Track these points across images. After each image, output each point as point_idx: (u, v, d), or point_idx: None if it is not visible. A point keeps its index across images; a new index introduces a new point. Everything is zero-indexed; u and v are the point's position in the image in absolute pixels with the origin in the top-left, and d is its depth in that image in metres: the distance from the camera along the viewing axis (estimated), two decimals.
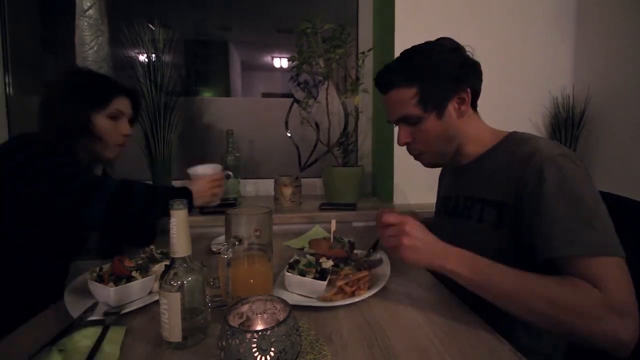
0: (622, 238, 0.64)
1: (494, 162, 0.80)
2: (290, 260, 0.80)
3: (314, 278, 0.74)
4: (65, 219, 0.89)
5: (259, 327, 0.54)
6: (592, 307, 0.56)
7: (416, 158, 0.90)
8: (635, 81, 1.31)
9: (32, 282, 0.92)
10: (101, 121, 0.97)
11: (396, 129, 0.90)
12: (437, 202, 1.06)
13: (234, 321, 0.53)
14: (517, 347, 0.59)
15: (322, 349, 0.58)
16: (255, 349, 0.46)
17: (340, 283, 0.76)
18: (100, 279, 0.73)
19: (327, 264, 0.79)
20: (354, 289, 0.75)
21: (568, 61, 1.58)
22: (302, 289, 0.75)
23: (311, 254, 0.84)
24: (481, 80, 0.84)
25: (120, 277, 0.73)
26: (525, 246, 0.68)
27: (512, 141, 0.80)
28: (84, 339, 0.58)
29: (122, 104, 1.01)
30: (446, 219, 0.92)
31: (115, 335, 0.60)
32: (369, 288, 0.77)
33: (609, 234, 0.62)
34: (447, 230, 0.86)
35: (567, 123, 1.52)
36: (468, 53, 0.82)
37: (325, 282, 0.73)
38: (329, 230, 1.26)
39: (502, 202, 0.75)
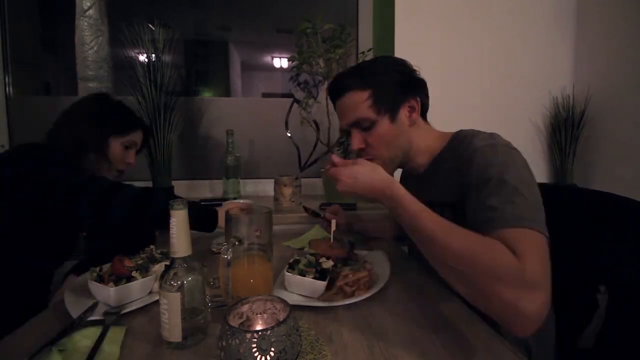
0: (622, 238, 0.64)
1: (442, 166, 0.83)
2: (290, 260, 0.80)
3: (314, 278, 0.74)
4: (84, 222, 0.98)
5: (259, 327, 0.54)
6: (505, 268, 0.55)
7: None
8: (635, 81, 1.31)
9: (22, 284, 0.94)
10: (115, 146, 1.07)
11: None
12: None
13: (234, 321, 0.53)
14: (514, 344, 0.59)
15: (322, 349, 0.58)
16: (255, 349, 0.46)
17: (340, 283, 0.76)
18: (100, 279, 0.72)
19: (327, 264, 0.79)
20: (353, 289, 0.75)
21: (568, 61, 1.58)
22: (302, 289, 0.75)
23: (311, 254, 0.84)
24: (428, 97, 0.89)
25: (121, 277, 0.73)
26: None
27: (454, 142, 0.83)
28: (84, 339, 0.58)
29: (137, 137, 1.12)
30: None
31: (116, 335, 0.60)
32: (369, 288, 0.77)
33: (528, 209, 0.62)
34: None
35: (567, 123, 1.52)
36: (416, 69, 0.87)
37: (325, 282, 0.73)
38: (329, 231, 1.26)
39: (454, 202, 0.76)
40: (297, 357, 0.50)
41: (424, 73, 0.87)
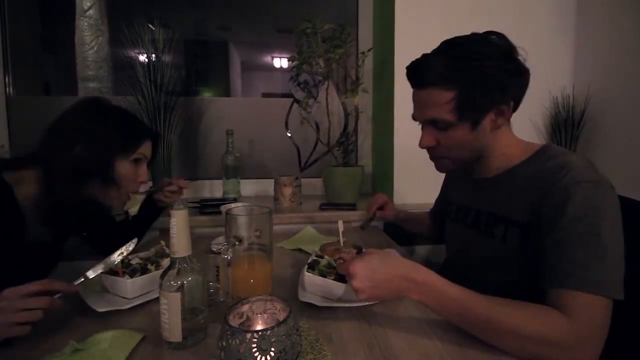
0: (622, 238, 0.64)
1: (521, 178, 0.73)
2: (309, 261, 0.79)
3: (334, 280, 0.73)
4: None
5: (259, 327, 0.54)
6: (558, 336, 0.55)
7: (434, 161, 0.84)
8: (635, 81, 1.31)
9: None
10: (123, 167, 0.86)
11: (411, 127, 0.85)
12: (446, 206, 1.01)
13: (234, 321, 0.53)
14: None
15: (322, 349, 0.58)
16: (255, 349, 0.46)
17: None
18: (113, 273, 0.75)
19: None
20: None
21: (568, 61, 1.58)
22: (320, 289, 0.73)
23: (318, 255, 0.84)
24: (525, 91, 0.75)
25: (135, 270, 0.76)
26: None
27: (542, 156, 0.72)
28: (103, 341, 0.58)
29: (146, 149, 0.92)
30: (466, 230, 0.86)
31: (128, 340, 0.59)
32: None
33: (610, 272, 0.58)
34: (469, 241, 0.85)
35: (567, 123, 1.52)
36: (520, 58, 0.72)
37: (345, 285, 0.72)
38: (328, 231, 1.26)
39: (527, 223, 0.69)
40: (297, 357, 0.50)
41: None
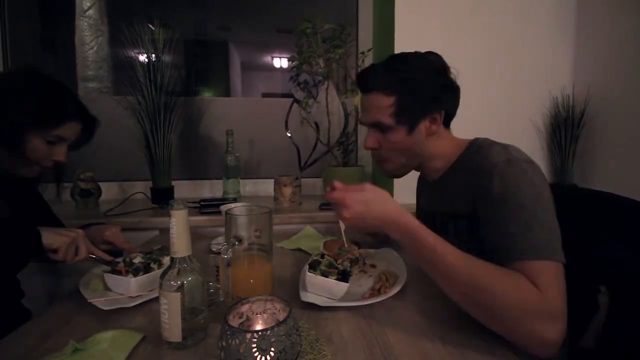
0: (623, 238, 0.64)
1: (457, 175, 0.82)
2: (309, 261, 0.79)
3: (336, 280, 0.73)
4: None
5: (259, 327, 0.54)
6: (529, 303, 0.57)
7: (379, 165, 0.91)
8: (635, 81, 1.31)
9: None
10: (36, 143, 0.82)
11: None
12: (419, 216, 1.02)
13: (234, 321, 0.53)
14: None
15: (322, 349, 0.58)
16: (255, 349, 0.46)
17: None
18: (116, 272, 0.76)
19: (344, 265, 0.79)
20: (379, 286, 0.78)
21: (568, 61, 1.58)
22: (322, 290, 0.73)
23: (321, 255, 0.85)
24: (457, 105, 0.85)
25: (138, 269, 0.77)
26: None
27: (470, 151, 0.81)
28: (103, 341, 0.58)
29: (67, 131, 0.85)
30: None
31: (128, 340, 0.59)
32: (393, 284, 0.79)
33: (546, 238, 0.63)
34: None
35: (567, 123, 1.52)
36: (452, 76, 0.83)
37: (347, 284, 0.72)
38: (328, 231, 1.26)
39: (468, 213, 0.75)
40: (297, 357, 0.50)
41: None
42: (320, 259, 0.80)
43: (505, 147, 0.75)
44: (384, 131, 0.82)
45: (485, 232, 0.69)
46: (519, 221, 0.64)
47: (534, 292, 0.58)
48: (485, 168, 0.71)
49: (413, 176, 1.49)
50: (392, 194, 1.50)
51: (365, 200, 0.67)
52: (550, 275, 0.60)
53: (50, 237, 0.78)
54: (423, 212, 0.99)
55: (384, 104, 0.80)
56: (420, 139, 0.83)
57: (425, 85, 0.79)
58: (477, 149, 0.79)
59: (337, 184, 0.71)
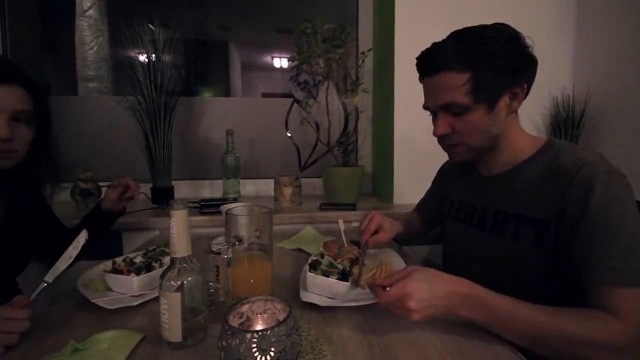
0: None
1: (531, 174, 0.74)
2: (310, 261, 0.79)
3: (337, 279, 0.73)
4: None
5: (259, 327, 0.54)
6: (614, 340, 0.56)
7: (448, 150, 0.82)
8: (635, 81, 1.31)
9: None
10: None
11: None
12: (444, 204, 0.99)
13: (234, 321, 0.53)
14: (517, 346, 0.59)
15: (322, 349, 0.58)
16: (255, 349, 0.46)
17: (366, 277, 0.78)
18: (117, 272, 0.76)
19: (343, 264, 0.79)
20: (376, 272, 0.79)
21: (568, 61, 1.58)
22: (323, 289, 0.73)
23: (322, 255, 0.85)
24: (534, 78, 0.75)
25: (140, 268, 0.77)
26: (564, 267, 0.66)
27: (550, 151, 0.74)
28: (103, 341, 0.58)
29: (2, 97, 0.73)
30: (470, 230, 0.85)
31: (128, 340, 0.59)
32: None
33: None
34: (474, 242, 0.83)
35: (567, 123, 1.52)
36: (528, 45, 0.73)
37: (348, 283, 0.72)
38: (328, 231, 1.26)
39: (543, 220, 0.69)
40: (297, 357, 0.50)
41: None
42: (320, 259, 0.80)
43: (600, 158, 0.68)
44: (459, 113, 0.73)
45: (576, 245, 0.63)
46: (619, 245, 0.59)
47: (619, 328, 0.56)
48: (582, 175, 0.64)
49: (414, 176, 1.50)
50: (391, 194, 1.51)
51: (425, 282, 0.60)
52: None
53: None
54: (455, 203, 0.92)
55: (457, 83, 0.71)
56: (500, 118, 0.74)
57: (504, 55, 0.70)
58: (559, 151, 0.72)
59: (379, 282, 0.63)
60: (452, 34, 0.75)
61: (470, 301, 0.60)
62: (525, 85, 0.73)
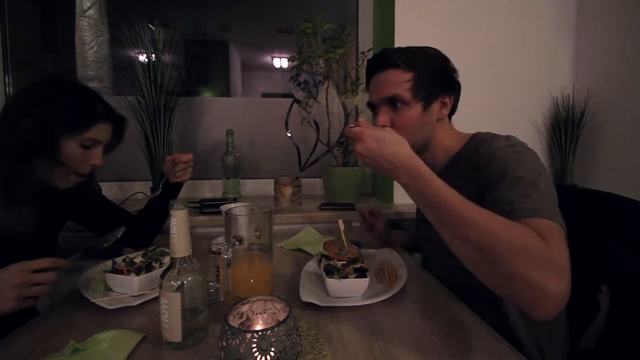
0: (622, 238, 0.64)
1: (460, 166, 0.83)
2: (322, 268, 0.79)
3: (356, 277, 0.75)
4: None
5: (259, 327, 0.54)
6: (534, 250, 0.53)
7: None
8: (635, 81, 1.31)
9: None
10: (70, 147, 0.82)
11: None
12: (418, 210, 1.04)
13: (234, 321, 0.53)
14: (512, 341, 0.60)
15: (322, 349, 0.58)
16: (255, 349, 0.46)
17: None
18: (117, 272, 0.76)
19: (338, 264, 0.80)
20: (393, 280, 0.79)
21: (568, 61, 1.58)
22: (345, 291, 0.75)
23: (327, 256, 0.85)
24: (458, 101, 0.90)
25: (140, 268, 0.77)
26: None
27: (472, 144, 0.84)
28: (103, 341, 0.58)
29: (100, 132, 0.87)
30: (431, 228, 0.88)
31: (128, 340, 0.59)
32: (397, 279, 0.81)
33: (545, 202, 0.63)
34: (434, 240, 0.82)
35: (567, 123, 1.52)
36: (454, 70, 0.88)
37: (367, 279, 0.74)
38: (328, 231, 1.26)
39: (471, 199, 0.74)
40: (297, 357, 0.50)
41: None
42: (327, 261, 0.80)
43: (507, 137, 0.78)
44: (398, 108, 0.84)
45: (489, 202, 0.67)
46: (515, 189, 0.65)
47: (540, 241, 0.54)
48: (487, 154, 0.75)
49: None
50: (391, 194, 1.51)
51: (381, 139, 0.65)
52: (554, 232, 0.58)
53: None
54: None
55: (401, 79, 0.83)
56: (431, 120, 0.85)
57: (439, 67, 0.85)
58: (480, 141, 0.81)
59: (361, 120, 0.70)
60: (398, 47, 0.91)
61: (411, 172, 0.63)
62: (452, 98, 0.87)
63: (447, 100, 0.86)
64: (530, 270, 0.52)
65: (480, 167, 0.75)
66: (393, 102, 0.84)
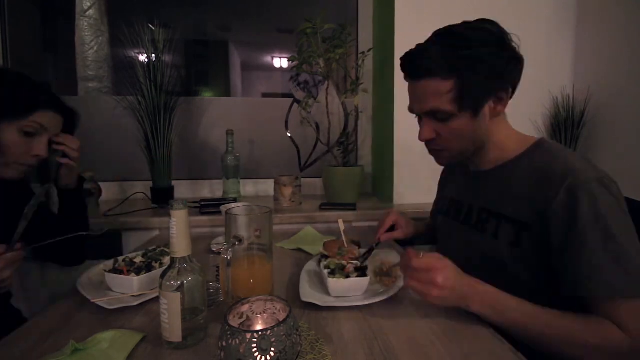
0: None
1: (517, 174, 0.74)
2: (326, 270, 0.79)
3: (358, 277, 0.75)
4: None
5: (259, 327, 0.54)
6: (616, 349, 0.57)
7: (434, 154, 0.83)
8: (635, 81, 1.31)
9: None
10: (10, 135, 0.80)
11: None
12: (440, 201, 1.02)
13: (234, 321, 0.53)
14: (512, 341, 0.60)
15: (322, 349, 0.58)
16: (255, 349, 0.46)
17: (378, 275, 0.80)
18: (117, 272, 0.76)
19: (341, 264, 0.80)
20: (392, 278, 0.79)
21: (568, 61, 1.58)
22: (347, 291, 0.75)
23: (327, 256, 0.86)
24: (520, 77, 0.74)
25: (140, 268, 0.77)
26: (548, 272, 0.67)
27: (539, 153, 0.73)
28: (103, 341, 0.58)
29: (43, 119, 0.84)
30: (458, 226, 0.87)
31: (128, 340, 0.59)
32: (396, 278, 0.80)
33: (636, 273, 0.58)
34: (459, 238, 0.85)
35: (567, 123, 1.52)
36: (514, 45, 0.72)
37: (368, 278, 0.74)
38: (328, 231, 1.26)
39: (523, 222, 0.69)
40: (297, 357, 0.50)
41: None
42: (325, 261, 0.80)
43: (588, 161, 0.68)
44: (443, 119, 0.73)
45: (563, 259, 0.63)
46: (607, 253, 0.59)
47: (619, 336, 0.57)
48: (570, 183, 0.63)
49: (414, 176, 1.50)
50: (391, 194, 1.51)
51: (455, 271, 0.64)
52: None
53: None
54: (448, 199, 0.94)
55: (441, 90, 0.70)
56: (484, 123, 0.74)
57: (489, 61, 0.68)
58: (552, 153, 0.71)
59: (410, 251, 0.65)
60: (435, 35, 0.74)
61: (481, 297, 0.63)
62: (510, 89, 0.73)
63: (504, 94, 0.72)
64: None
65: (551, 188, 0.65)
66: (435, 115, 0.74)
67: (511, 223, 0.72)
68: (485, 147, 0.78)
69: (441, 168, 1.13)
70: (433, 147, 0.80)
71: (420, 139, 0.79)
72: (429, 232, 1.11)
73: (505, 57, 0.70)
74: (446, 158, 0.81)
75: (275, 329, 0.47)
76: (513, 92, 0.75)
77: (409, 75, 0.76)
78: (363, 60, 1.52)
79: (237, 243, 0.67)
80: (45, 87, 0.88)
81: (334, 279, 0.74)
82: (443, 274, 0.62)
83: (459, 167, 0.94)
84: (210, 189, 1.73)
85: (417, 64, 0.73)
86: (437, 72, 0.70)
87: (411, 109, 0.80)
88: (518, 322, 0.62)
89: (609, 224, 0.60)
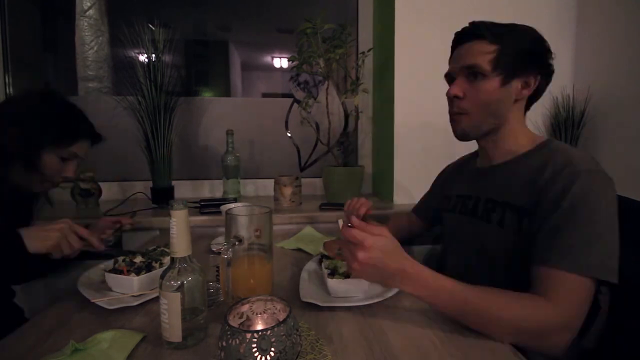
0: (622, 238, 0.64)
1: (525, 169, 0.77)
2: (326, 270, 0.79)
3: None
4: None
5: (259, 327, 0.54)
6: (549, 327, 0.60)
7: (455, 118, 0.85)
8: (635, 81, 1.31)
9: None
10: (50, 159, 0.88)
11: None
12: (444, 201, 1.02)
13: (234, 321, 0.53)
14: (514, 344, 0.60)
15: (322, 349, 0.58)
16: (255, 349, 0.46)
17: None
18: (117, 272, 0.77)
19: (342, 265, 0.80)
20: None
21: (568, 61, 1.58)
22: (347, 291, 0.75)
23: (327, 256, 0.85)
24: (547, 84, 0.82)
25: (140, 268, 0.78)
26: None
27: (546, 150, 0.77)
28: (103, 341, 0.58)
29: (80, 148, 0.93)
30: (466, 219, 0.89)
31: (128, 340, 0.59)
32: None
33: (601, 257, 0.62)
34: (467, 231, 0.87)
35: (567, 123, 1.52)
36: (553, 57, 0.81)
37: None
38: (328, 231, 1.26)
39: (524, 208, 0.73)
40: (297, 357, 0.50)
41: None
42: (336, 263, 0.80)
43: (588, 155, 0.72)
44: (475, 79, 0.79)
45: (542, 230, 0.67)
46: (583, 235, 0.63)
47: (549, 311, 0.60)
48: (567, 172, 0.68)
49: (414, 176, 1.50)
50: (391, 194, 1.51)
51: (386, 249, 0.62)
52: (581, 295, 0.61)
53: (35, 242, 0.77)
54: (454, 197, 0.96)
55: (484, 50, 0.78)
56: (508, 100, 0.79)
57: (531, 42, 0.78)
58: (557, 149, 0.76)
59: (354, 220, 0.65)
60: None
61: (417, 279, 0.64)
62: (538, 79, 0.79)
63: (532, 80, 0.79)
64: (540, 338, 0.60)
65: (551, 177, 0.70)
66: (471, 72, 0.79)
67: (515, 210, 0.75)
68: (499, 132, 0.82)
69: (440, 168, 1.14)
70: (456, 108, 0.83)
71: (449, 93, 0.82)
72: (416, 228, 1.17)
73: (544, 47, 0.79)
74: (464, 123, 0.83)
75: (275, 329, 0.47)
76: (539, 92, 0.82)
77: (461, 39, 0.84)
78: (363, 60, 1.52)
79: (237, 243, 0.67)
80: (84, 117, 0.96)
81: (334, 279, 0.74)
82: (366, 251, 0.61)
83: (466, 165, 0.99)
84: (210, 189, 1.73)
85: (472, 29, 0.82)
86: (486, 35, 0.78)
87: (449, 70, 0.85)
88: (453, 301, 0.63)
89: (592, 210, 0.64)
